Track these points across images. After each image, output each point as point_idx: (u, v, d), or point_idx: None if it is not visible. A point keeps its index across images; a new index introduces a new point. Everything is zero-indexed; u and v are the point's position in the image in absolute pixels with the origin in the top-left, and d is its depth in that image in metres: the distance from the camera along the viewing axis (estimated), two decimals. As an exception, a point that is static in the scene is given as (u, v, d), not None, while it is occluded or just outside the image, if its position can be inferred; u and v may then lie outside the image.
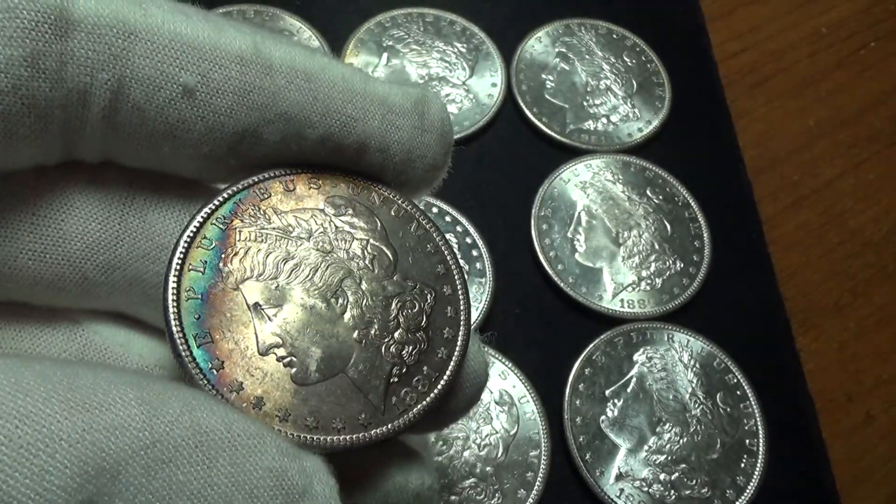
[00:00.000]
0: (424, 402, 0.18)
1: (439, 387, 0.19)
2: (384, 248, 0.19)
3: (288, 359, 0.17)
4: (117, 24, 0.16)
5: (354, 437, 0.17)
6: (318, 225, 0.19)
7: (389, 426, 0.18)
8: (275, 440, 0.16)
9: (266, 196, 0.19)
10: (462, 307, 0.19)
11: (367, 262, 0.19)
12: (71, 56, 0.16)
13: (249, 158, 0.19)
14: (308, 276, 0.18)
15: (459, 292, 0.20)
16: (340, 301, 0.18)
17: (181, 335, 0.17)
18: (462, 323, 0.19)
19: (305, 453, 0.17)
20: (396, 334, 0.18)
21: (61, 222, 0.18)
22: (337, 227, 0.19)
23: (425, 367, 0.19)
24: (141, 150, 0.18)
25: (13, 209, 0.18)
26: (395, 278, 0.19)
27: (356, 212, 0.20)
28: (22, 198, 0.18)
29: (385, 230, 0.20)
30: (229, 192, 0.19)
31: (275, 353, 0.17)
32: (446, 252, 0.20)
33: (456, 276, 0.20)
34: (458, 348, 0.19)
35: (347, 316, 0.18)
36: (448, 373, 0.19)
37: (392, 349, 0.18)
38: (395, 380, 0.18)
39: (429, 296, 0.19)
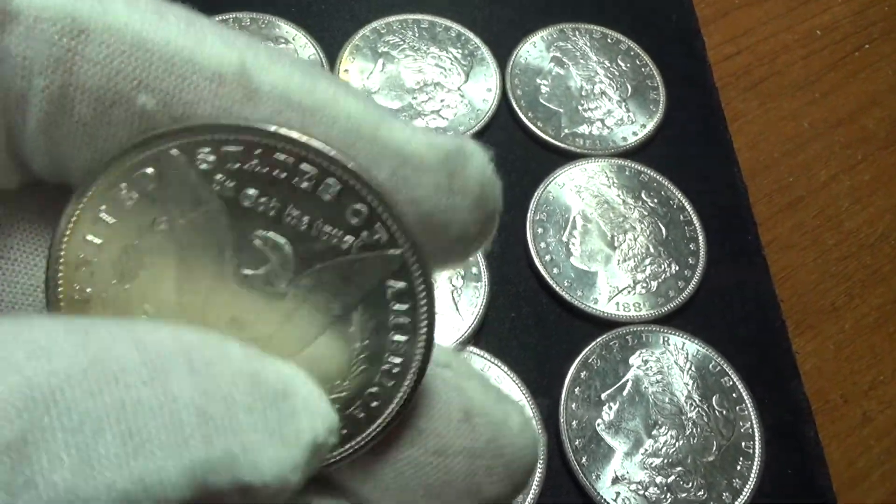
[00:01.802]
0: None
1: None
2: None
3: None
4: (65, 17, 0.13)
5: None
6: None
7: None
8: (237, 346, 0.14)
9: None
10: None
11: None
12: (7, 53, 0.13)
13: None
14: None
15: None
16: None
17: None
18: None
19: (276, 359, 0.14)
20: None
21: (35, 267, 0.16)
22: None
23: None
24: (90, 168, 0.15)
25: None
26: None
27: None
28: None
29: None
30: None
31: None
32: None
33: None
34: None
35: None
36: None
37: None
38: None
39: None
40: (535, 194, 0.45)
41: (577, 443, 0.38)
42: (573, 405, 0.39)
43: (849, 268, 0.46)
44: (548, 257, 0.43)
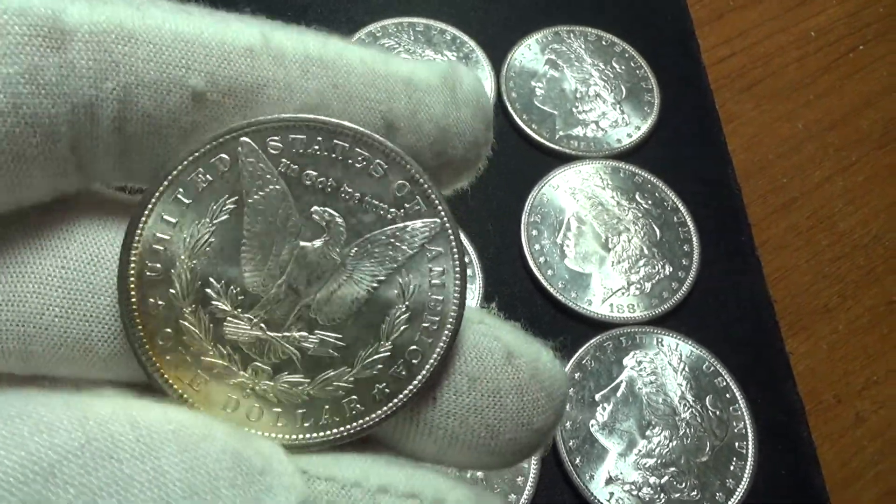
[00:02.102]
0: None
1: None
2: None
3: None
4: (115, 28, 0.16)
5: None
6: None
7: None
8: (221, 427, 0.15)
9: None
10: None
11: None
12: (71, 68, 0.15)
13: None
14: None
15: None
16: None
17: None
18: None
19: (258, 438, 0.16)
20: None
21: (91, 275, 0.17)
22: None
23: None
24: (159, 158, 0.17)
25: (42, 261, 0.17)
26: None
27: None
28: (52, 249, 0.17)
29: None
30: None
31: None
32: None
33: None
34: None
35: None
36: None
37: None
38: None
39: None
40: (530, 196, 0.45)
41: (571, 443, 0.39)
42: (567, 406, 0.39)
43: (842, 269, 0.46)
44: (542, 259, 0.43)
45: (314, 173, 0.17)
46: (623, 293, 0.43)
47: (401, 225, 0.17)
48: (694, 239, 0.45)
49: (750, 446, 0.39)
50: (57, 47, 0.15)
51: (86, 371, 0.17)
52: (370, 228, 0.17)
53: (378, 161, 0.17)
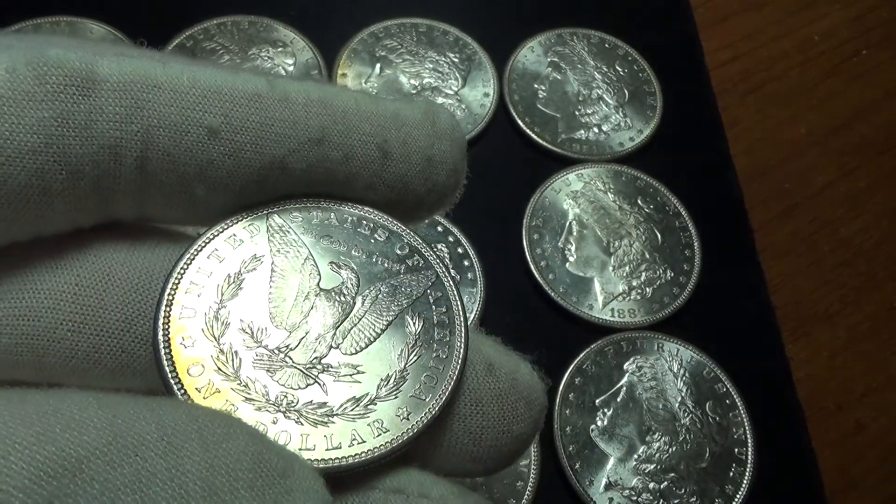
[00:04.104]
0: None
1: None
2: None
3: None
4: (140, 78, 0.18)
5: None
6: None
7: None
8: (245, 427, 0.16)
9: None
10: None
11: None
12: (100, 112, 0.17)
13: (278, 191, 0.20)
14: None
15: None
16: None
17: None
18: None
19: (279, 443, 0.17)
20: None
21: (103, 292, 0.18)
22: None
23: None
24: (174, 196, 0.19)
25: (57, 279, 0.18)
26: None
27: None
28: (66, 268, 0.18)
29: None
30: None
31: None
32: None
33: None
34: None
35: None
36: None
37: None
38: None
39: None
40: (532, 200, 0.45)
41: (570, 448, 0.38)
42: (567, 411, 0.39)
43: (843, 275, 0.46)
44: (543, 263, 0.43)
45: (329, 237, 0.20)
46: (624, 298, 0.43)
47: (405, 276, 0.20)
48: (695, 244, 0.45)
49: (749, 452, 0.39)
50: (87, 94, 0.17)
51: (94, 381, 0.18)
52: (380, 278, 0.20)
53: (381, 229, 0.21)
